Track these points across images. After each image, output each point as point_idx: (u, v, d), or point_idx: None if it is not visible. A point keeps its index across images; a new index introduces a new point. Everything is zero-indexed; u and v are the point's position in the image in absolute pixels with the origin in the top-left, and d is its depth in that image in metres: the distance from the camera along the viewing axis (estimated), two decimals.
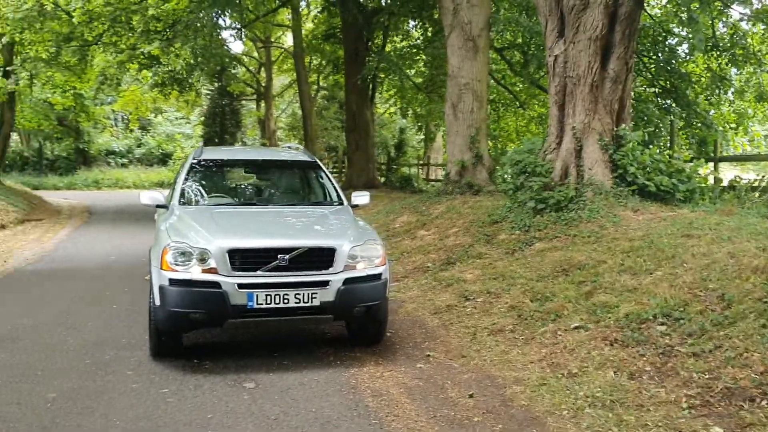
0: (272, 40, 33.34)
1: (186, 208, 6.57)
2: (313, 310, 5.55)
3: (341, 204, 7.03)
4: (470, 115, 13.97)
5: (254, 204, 6.92)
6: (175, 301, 5.39)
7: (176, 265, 5.45)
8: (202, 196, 7.02)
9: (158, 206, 6.71)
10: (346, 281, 5.62)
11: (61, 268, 10.64)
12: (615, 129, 9.81)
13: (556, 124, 10.20)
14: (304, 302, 5.49)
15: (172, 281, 5.41)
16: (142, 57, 20.82)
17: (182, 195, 6.76)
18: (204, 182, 7.25)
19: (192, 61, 20.24)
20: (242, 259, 5.46)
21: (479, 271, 8.54)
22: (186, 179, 6.96)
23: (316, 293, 5.51)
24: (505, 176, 11.10)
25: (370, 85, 22.39)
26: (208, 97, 33.49)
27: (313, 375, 5.45)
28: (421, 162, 30.46)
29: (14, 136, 38.47)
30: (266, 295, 5.41)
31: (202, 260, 5.43)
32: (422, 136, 33.05)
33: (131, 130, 40.86)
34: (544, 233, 9.16)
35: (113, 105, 38.29)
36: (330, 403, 4.83)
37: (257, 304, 5.40)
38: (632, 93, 11.43)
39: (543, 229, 9.28)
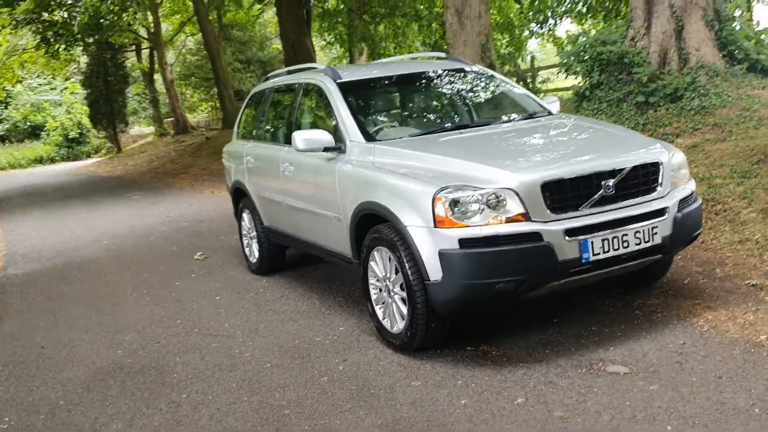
0: None
1: (388, 144, 4.60)
2: (652, 251, 3.98)
3: (550, 113, 5.32)
4: (478, 20, 12.28)
5: (469, 126, 4.93)
6: (474, 270, 3.64)
7: (461, 218, 3.67)
8: (382, 126, 5.08)
9: (326, 149, 4.75)
10: (680, 205, 4.09)
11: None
12: (715, 2, 8.62)
13: (643, 5, 8.85)
14: (644, 242, 3.90)
15: (465, 242, 3.63)
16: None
17: (360, 127, 4.78)
18: (369, 109, 5.30)
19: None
20: (557, 196, 3.76)
21: None
22: (348, 107, 4.92)
23: (657, 227, 3.94)
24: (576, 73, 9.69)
25: (305, 11, 19.93)
26: (86, 53, 29.30)
27: (672, 338, 3.91)
28: None
29: None
30: (603, 240, 3.77)
31: (496, 206, 3.68)
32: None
33: None
34: (674, 128, 7.91)
35: None
36: None
37: (593, 255, 3.76)
38: None
39: (668, 124, 8.02)
